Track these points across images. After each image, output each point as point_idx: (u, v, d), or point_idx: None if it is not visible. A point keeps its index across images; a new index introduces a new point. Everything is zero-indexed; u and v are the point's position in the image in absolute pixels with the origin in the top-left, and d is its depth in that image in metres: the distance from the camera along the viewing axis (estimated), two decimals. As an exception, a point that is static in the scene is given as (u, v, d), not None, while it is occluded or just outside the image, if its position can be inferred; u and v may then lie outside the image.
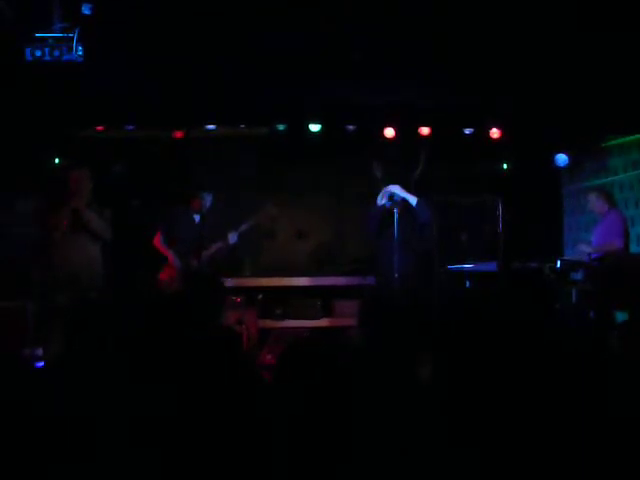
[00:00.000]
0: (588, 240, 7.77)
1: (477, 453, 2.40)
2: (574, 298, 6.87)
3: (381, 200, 7.33)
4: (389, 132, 8.48)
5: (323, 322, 8.55)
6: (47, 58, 5.54)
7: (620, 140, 8.37)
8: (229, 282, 8.32)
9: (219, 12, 6.19)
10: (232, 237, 7.63)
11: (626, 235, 7.44)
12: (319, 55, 6.76)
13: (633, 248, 7.97)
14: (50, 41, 5.55)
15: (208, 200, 7.71)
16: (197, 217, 7.74)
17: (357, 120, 8.39)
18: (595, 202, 7.73)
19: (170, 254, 7.59)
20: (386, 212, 7.27)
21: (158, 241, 7.69)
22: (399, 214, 7.18)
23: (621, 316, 6.87)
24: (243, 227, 7.71)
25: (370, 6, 6.23)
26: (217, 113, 8.22)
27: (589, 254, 7.19)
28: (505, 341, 3.38)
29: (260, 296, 8.66)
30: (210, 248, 7.60)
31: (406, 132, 8.51)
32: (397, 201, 7.26)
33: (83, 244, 6.73)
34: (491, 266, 7.55)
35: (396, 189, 7.33)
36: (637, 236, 8.07)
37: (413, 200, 7.34)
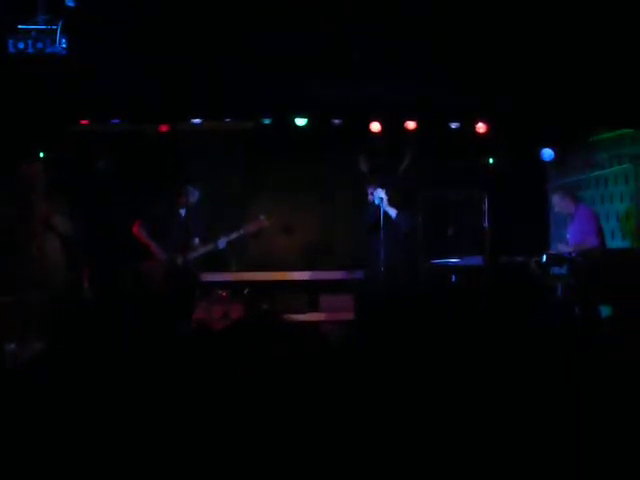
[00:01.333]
0: (566, 239, 7.72)
1: (467, 449, 2.39)
2: (559, 293, 6.88)
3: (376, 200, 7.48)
4: (375, 126, 8.47)
5: (309, 316, 8.53)
6: (30, 50, 5.49)
7: (606, 135, 8.39)
8: (215, 277, 8.32)
9: (206, 8, 6.16)
10: (221, 242, 7.63)
11: (600, 230, 7.40)
12: (306, 51, 6.74)
13: (618, 243, 8.00)
14: (33, 33, 5.50)
15: (194, 195, 7.68)
16: (183, 211, 7.71)
17: (343, 114, 8.38)
18: (561, 202, 7.60)
19: (153, 245, 7.55)
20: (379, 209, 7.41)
21: (137, 229, 7.63)
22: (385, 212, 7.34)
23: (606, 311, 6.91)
24: (234, 235, 7.70)
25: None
26: (203, 107, 8.19)
27: (569, 253, 7.17)
28: (490, 335, 3.38)
29: (246, 290, 8.63)
30: (198, 250, 7.59)
31: (392, 126, 8.51)
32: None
33: (51, 244, 6.75)
34: (477, 261, 7.56)
35: (382, 197, 7.41)
36: (623, 230, 8.10)
37: (393, 212, 7.44)
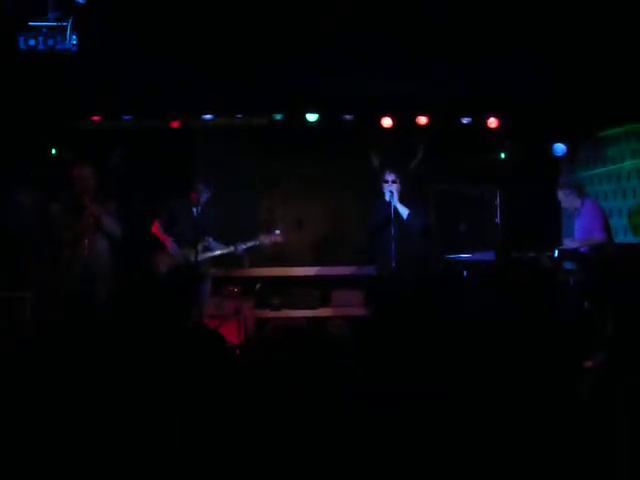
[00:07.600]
0: (572, 235, 7.64)
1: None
2: (571, 288, 6.84)
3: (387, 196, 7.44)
4: (386, 122, 8.46)
5: (321, 312, 8.54)
6: (41, 47, 5.52)
7: (618, 129, 8.34)
8: (227, 272, 8.34)
9: (218, 4, 6.17)
10: (239, 248, 7.66)
11: (606, 224, 7.31)
12: (317, 46, 6.74)
13: (631, 238, 7.94)
14: (44, 30, 5.53)
15: (205, 194, 7.68)
16: (195, 209, 7.70)
17: (354, 110, 8.38)
18: (568, 198, 7.48)
19: (168, 241, 7.58)
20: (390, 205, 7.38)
21: (157, 228, 7.67)
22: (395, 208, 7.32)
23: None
24: (250, 244, 7.69)
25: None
26: (215, 103, 8.22)
27: (576, 249, 7.12)
28: (500, 330, 3.38)
29: (258, 286, 8.65)
30: (214, 250, 7.59)
31: (404, 122, 8.50)
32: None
33: (100, 243, 6.94)
34: (489, 256, 7.53)
35: (394, 193, 7.37)
36: (635, 226, 8.04)
37: (404, 212, 7.39)
